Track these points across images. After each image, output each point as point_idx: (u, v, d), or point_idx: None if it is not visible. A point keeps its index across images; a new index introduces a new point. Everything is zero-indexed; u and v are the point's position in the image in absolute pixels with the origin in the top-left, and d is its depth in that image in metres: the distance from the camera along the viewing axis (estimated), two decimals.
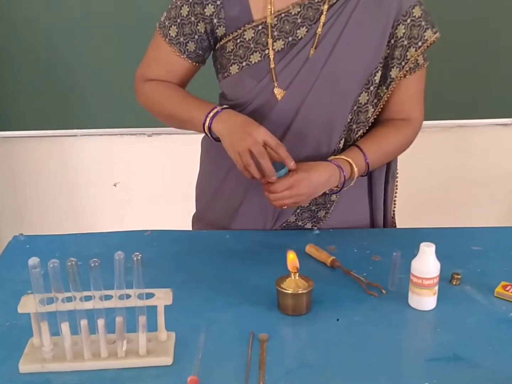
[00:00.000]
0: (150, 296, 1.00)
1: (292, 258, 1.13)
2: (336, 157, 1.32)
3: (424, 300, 1.13)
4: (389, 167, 1.47)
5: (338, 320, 1.11)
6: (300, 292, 1.10)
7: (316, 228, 1.45)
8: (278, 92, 1.31)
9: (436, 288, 1.13)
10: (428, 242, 1.30)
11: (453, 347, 1.03)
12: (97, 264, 0.93)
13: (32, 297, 0.96)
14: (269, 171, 1.21)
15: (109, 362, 0.99)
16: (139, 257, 0.95)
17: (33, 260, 0.93)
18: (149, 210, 2.53)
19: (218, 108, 1.27)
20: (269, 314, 1.12)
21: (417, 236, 1.41)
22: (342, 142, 1.37)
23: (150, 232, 1.43)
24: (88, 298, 0.96)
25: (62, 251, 1.35)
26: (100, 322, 0.97)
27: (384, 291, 1.19)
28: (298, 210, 1.44)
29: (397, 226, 1.59)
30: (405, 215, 2.64)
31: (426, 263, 1.12)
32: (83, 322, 0.97)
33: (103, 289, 0.96)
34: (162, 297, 1.00)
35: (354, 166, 1.32)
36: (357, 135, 1.39)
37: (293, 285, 1.11)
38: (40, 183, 2.53)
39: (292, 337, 1.07)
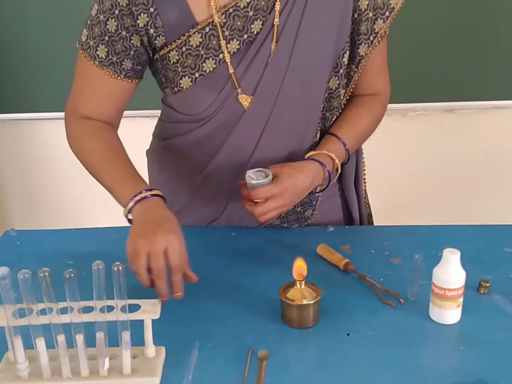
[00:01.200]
0: (135, 308, 0.90)
1: (299, 266, 1.01)
2: (316, 152, 1.19)
3: (447, 313, 1.00)
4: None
5: (348, 334, 0.99)
6: (305, 303, 0.99)
7: (330, 226, 1.33)
8: (244, 99, 1.16)
9: (461, 300, 1.00)
10: (454, 244, 1.18)
11: (478, 370, 0.91)
12: (72, 275, 0.83)
13: (3, 308, 0.86)
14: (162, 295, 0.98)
15: (89, 382, 0.89)
16: (120, 268, 0.85)
17: (1, 270, 0.83)
18: None
19: (147, 194, 1.05)
20: (272, 326, 1.01)
21: (442, 235, 1.29)
22: (318, 134, 1.25)
23: None
24: (65, 311, 0.86)
25: (55, 248, 1.25)
26: (79, 338, 0.87)
27: (402, 301, 1.07)
28: (283, 214, 1.30)
29: (430, 217, 1.46)
30: (435, 206, 2.51)
31: (450, 272, 0.99)
32: (60, 338, 0.87)
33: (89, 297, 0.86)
34: (149, 310, 0.90)
35: (336, 160, 1.19)
36: (331, 122, 1.27)
37: (298, 294, 1.00)
38: (46, 167, 2.45)
39: (295, 355, 0.96)
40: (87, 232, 1.32)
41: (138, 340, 0.91)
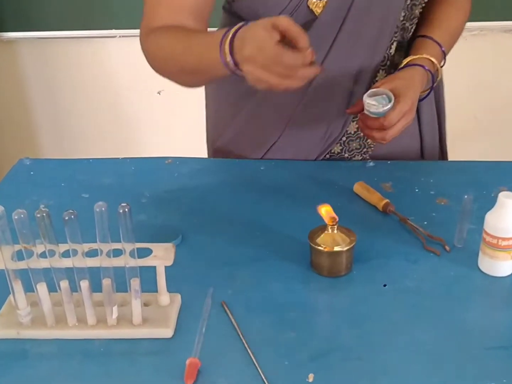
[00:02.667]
0: (146, 252, 0.80)
1: (327, 210, 0.90)
2: (416, 57, 1.08)
3: (499, 265, 0.89)
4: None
5: (385, 285, 0.88)
6: (337, 250, 0.88)
7: (368, 159, 1.20)
8: (315, 5, 1.02)
9: None
10: (509, 184, 1.06)
11: None
12: (72, 217, 0.74)
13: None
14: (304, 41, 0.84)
15: (96, 332, 0.81)
16: (126, 209, 0.75)
17: None
18: (195, 119, 2.31)
19: (235, 27, 0.87)
20: (300, 273, 0.91)
21: (497, 173, 1.16)
22: (394, 46, 1.12)
23: (172, 160, 1.21)
24: (68, 254, 0.78)
25: (70, 179, 1.16)
26: (84, 285, 0.79)
27: (447, 248, 0.95)
28: (344, 138, 1.18)
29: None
30: (488, 138, 2.33)
31: (505, 219, 0.86)
32: (63, 284, 0.79)
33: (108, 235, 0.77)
34: (161, 256, 0.80)
35: (437, 64, 1.10)
36: (410, 33, 1.14)
37: (329, 240, 0.89)
38: (75, 89, 2.35)
39: (324, 308, 0.86)
40: (105, 162, 1.22)
41: (151, 285, 0.82)
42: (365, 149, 1.20)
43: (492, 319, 0.83)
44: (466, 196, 1.01)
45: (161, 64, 1.03)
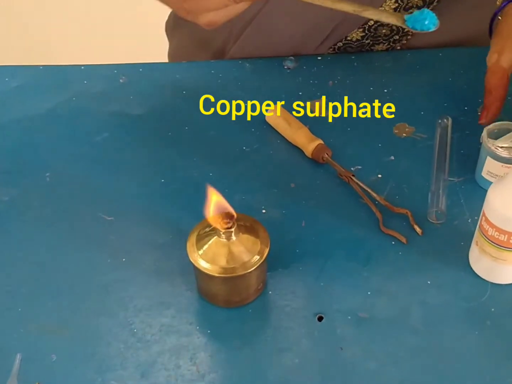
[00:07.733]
0: None
1: (217, 202, 0.50)
2: None
3: (505, 270, 0.54)
4: None
5: (320, 320, 0.53)
6: (238, 274, 0.50)
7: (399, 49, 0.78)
8: None
9: None
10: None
11: None
12: None
13: None
14: None
15: None
16: None
17: None
18: None
19: None
20: (183, 304, 0.54)
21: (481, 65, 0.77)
22: None
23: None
24: None
25: None
26: None
27: (418, 229, 0.58)
28: (372, 22, 0.74)
29: None
30: None
31: None
32: None
33: None
34: None
35: None
36: None
37: (224, 254, 0.50)
38: None
39: (220, 364, 0.50)
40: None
41: None
42: (397, 36, 0.77)
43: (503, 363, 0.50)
44: (439, 121, 0.65)
45: None
